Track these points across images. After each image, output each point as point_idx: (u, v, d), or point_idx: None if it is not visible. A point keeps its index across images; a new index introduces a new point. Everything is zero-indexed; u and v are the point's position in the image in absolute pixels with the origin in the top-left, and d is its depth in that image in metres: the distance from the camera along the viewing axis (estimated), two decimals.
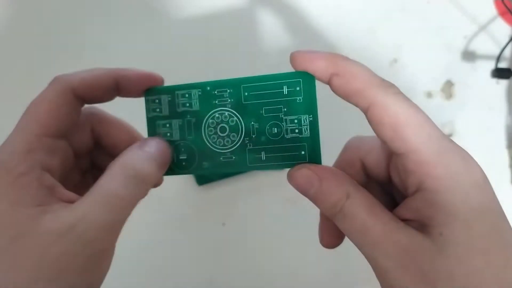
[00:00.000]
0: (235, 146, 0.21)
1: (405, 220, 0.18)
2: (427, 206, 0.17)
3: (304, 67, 0.21)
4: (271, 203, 0.41)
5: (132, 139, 0.25)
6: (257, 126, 0.21)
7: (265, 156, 0.21)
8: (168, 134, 0.23)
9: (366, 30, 0.46)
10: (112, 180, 0.18)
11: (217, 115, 0.22)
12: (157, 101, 0.24)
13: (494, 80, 0.48)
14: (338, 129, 0.34)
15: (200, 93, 0.23)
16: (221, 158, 0.22)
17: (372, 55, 0.46)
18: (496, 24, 0.49)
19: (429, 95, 0.47)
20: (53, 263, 0.17)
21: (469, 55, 0.48)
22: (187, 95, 0.23)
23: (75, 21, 0.42)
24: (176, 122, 0.23)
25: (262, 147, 0.21)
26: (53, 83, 0.22)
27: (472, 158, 0.19)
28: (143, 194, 0.19)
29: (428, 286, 0.17)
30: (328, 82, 0.21)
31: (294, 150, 0.21)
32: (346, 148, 0.23)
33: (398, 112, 0.19)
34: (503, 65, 0.48)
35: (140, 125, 0.25)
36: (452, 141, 0.18)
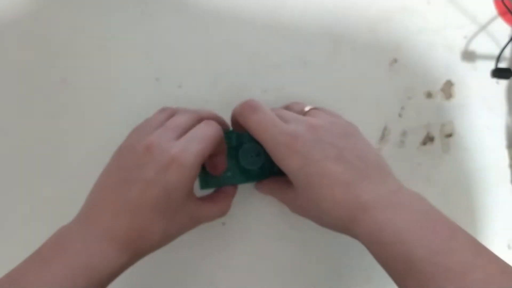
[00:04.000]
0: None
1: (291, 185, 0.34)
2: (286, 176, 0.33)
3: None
4: (271, 203, 0.41)
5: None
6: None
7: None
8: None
9: (366, 30, 0.46)
10: None
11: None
12: None
13: (494, 80, 0.48)
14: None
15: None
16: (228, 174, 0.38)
17: (372, 55, 0.46)
18: (496, 24, 0.49)
19: (429, 95, 0.47)
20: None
21: (469, 55, 0.48)
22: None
23: (75, 21, 0.42)
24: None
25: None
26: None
27: (294, 137, 0.31)
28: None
29: (302, 210, 0.36)
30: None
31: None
32: (233, 111, 0.35)
33: (250, 128, 0.33)
34: (503, 65, 0.48)
35: None
36: (284, 132, 0.31)
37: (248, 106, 0.32)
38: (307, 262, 0.43)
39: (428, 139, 0.46)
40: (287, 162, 0.30)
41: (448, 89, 0.47)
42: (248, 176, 0.38)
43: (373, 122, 0.45)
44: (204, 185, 0.37)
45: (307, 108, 0.37)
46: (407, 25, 0.47)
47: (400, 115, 0.46)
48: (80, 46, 0.42)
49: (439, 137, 0.47)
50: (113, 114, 0.41)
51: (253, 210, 0.42)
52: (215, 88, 0.43)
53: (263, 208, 0.42)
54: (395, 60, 0.46)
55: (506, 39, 0.47)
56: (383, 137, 0.45)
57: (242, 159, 0.37)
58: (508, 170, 0.48)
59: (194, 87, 0.42)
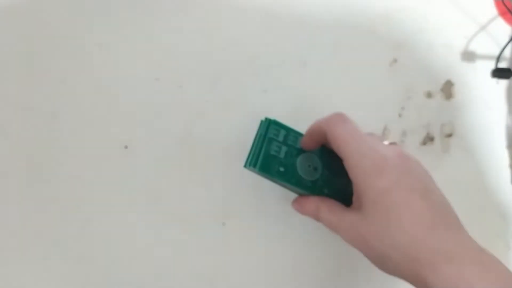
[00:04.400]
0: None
1: (353, 207, 0.32)
2: (357, 193, 0.31)
3: None
4: (271, 203, 0.41)
5: None
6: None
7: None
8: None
9: (366, 30, 0.46)
10: None
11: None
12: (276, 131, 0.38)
13: (494, 80, 0.48)
14: None
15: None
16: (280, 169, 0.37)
17: (372, 55, 0.46)
18: (496, 24, 0.49)
19: (429, 95, 0.47)
20: None
21: (469, 55, 0.48)
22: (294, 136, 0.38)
23: (75, 21, 0.42)
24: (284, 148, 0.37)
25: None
26: None
27: (382, 157, 0.29)
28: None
29: (364, 244, 0.30)
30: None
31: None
32: (318, 121, 0.34)
33: (337, 137, 0.31)
34: (503, 65, 0.48)
35: None
36: (371, 149, 0.30)
37: (339, 116, 0.32)
38: (307, 262, 0.43)
39: (428, 139, 0.46)
40: (371, 180, 0.28)
41: (448, 89, 0.47)
42: (298, 182, 0.36)
43: (373, 122, 0.45)
44: (260, 166, 0.36)
45: (386, 142, 0.37)
46: (407, 25, 0.47)
47: (400, 115, 0.46)
48: (79, 46, 0.41)
49: (439, 137, 0.47)
50: (113, 114, 0.41)
51: (253, 210, 0.42)
52: (215, 88, 0.43)
53: (263, 208, 0.42)
54: (395, 60, 0.46)
55: (506, 39, 0.47)
56: (383, 137, 0.45)
57: (299, 164, 0.36)
58: (508, 170, 0.48)
59: (194, 87, 0.42)
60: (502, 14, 0.49)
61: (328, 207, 0.33)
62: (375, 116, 0.45)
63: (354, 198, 0.32)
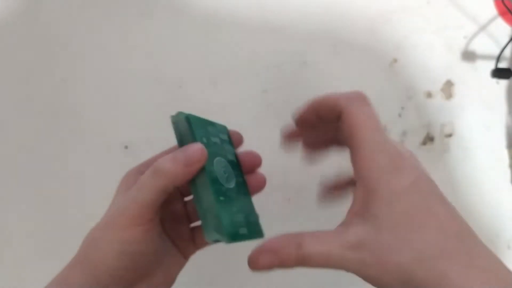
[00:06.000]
0: None
1: (355, 215, 0.23)
2: (365, 193, 0.23)
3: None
4: (271, 203, 0.41)
5: None
6: None
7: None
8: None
9: (366, 30, 0.46)
10: (143, 175, 0.25)
11: None
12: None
13: (494, 80, 0.48)
14: None
15: None
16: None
17: (372, 55, 0.46)
18: (496, 24, 0.49)
19: (429, 95, 0.47)
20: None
21: (469, 55, 0.48)
22: None
23: (75, 21, 0.42)
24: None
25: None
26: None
27: (399, 154, 0.24)
28: (162, 185, 0.24)
29: (376, 265, 0.22)
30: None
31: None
32: (335, 95, 0.27)
33: (355, 119, 0.25)
34: (503, 65, 0.48)
35: None
36: (388, 143, 0.24)
37: (361, 95, 0.26)
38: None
39: (428, 139, 0.46)
40: (388, 178, 0.23)
41: (448, 89, 0.47)
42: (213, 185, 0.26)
43: None
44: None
45: None
46: (407, 25, 0.47)
47: (400, 115, 0.46)
48: (80, 46, 0.41)
49: (439, 137, 0.46)
50: (113, 114, 0.41)
51: None
52: (215, 88, 0.43)
53: (263, 208, 0.42)
54: (395, 60, 0.46)
55: (506, 39, 0.47)
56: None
57: (216, 164, 0.27)
58: (508, 170, 0.48)
59: (194, 87, 0.42)
60: (502, 14, 0.49)
61: (313, 236, 0.24)
62: None
63: (355, 207, 0.24)
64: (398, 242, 0.22)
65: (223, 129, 0.31)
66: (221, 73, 0.43)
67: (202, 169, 0.25)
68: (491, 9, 0.49)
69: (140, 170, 0.29)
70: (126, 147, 0.41)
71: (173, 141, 0.42)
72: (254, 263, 0.24)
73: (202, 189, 0.25)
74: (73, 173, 0.40)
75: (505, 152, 0.48)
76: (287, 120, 0.40)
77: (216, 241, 0.26)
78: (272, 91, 0.43)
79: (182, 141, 0.27)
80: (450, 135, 0.47)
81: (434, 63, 0.47)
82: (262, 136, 0.43)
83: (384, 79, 0.46)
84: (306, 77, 0.44)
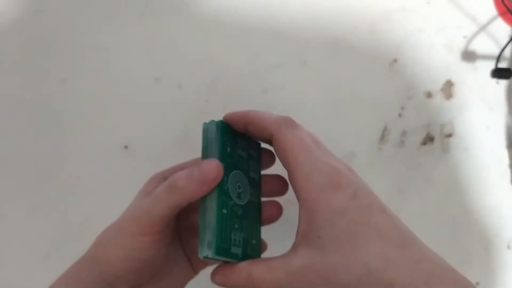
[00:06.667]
0: None
1: (302, 238, 0.24)
2: (307, 214, 0.24)
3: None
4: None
5: None
6: None
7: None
8: None
9: (366, 30, 0.46)
10: (159, 189, 0.25)
11: None
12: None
13: (494, 80, 0.48)
14: None
15: None
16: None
17: (372, 55, 0.46)
18: (496, 24, 0.49)
19: (429, 95, 0.47)
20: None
21: (469, 55, 0.48)
22: None
23: (75, 21, 0.42)
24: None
25: None
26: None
27: (336, 170, 0.24)
28: (175, 200, 0.24)
29: (328, 281, 0.22)
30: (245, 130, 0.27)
31: None
32: (264, 118, 0.27)
33: (286, 142, 0.25)
34: (503, 65, 0.48)
35: None
36: (322, 161, 0.24)
37: (290, 120, 0.26)
38: None
39: (428, 139, 0.46)
40: (327, 197, 0.23)
41: (448, 89, 0.47)
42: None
43: (373, 122, 0.45)
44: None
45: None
46: (407, 25, 0.47)
47: (400, 115, 0.46)
48: (80, 46, 0.42)
49: (439, 137, 0.47)
50: (113, 114, 0.41)
51: None
52: (215, 88, 0.43)
53: None
54: (395, 60, 0.46)
55: (506, 39, 0.47)
56: (383, 137, 0.45)
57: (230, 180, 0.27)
58: (508, 170, 0.48)
59: (194, 87, 0.42)
60: (502, 14, 0.49)
61: (263, 264, 0.25)
62: (375, 116, 0.45)
63: (301, 228, 0.25)
64: (344, 261, 0.22)
65: (255, 145, 0.30)
66: (221, 73, 0.43)
67: None
68: (491, 9, 0.49)
69: (164, 175, 0.30)
70: (126, 147, 0.41)
71: (173, 140, 0.42)
72: (212, 278, 0.26)
73: (210, 199, 0.25)
74: (73, 173, 0.40)
75: (505, 152, 0.48)
76: None
77: (206, 258, 0.24)
78: (272, 91, 0.43)
79: (206, 148, 0.26)
80: (450, 135, 0.47)
81: (434, 63, 0.47)
82: None
83: (384, 79, 0.46)
84: (306, 77, 0.44)
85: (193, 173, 0.24)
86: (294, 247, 0.25)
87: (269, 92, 0.43)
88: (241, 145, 0.28)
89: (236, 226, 0.26)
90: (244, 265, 0.25)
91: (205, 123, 0.27)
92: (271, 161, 0.31)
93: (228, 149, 0.27)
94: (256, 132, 0.27)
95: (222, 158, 0.26)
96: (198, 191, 0.24)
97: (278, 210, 0.31)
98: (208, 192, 0.25)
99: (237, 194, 0.26)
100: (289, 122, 0.26)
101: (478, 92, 0.48)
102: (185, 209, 0.26)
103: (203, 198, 0.25)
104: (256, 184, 0.29)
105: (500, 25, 0.49)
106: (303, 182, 0.24)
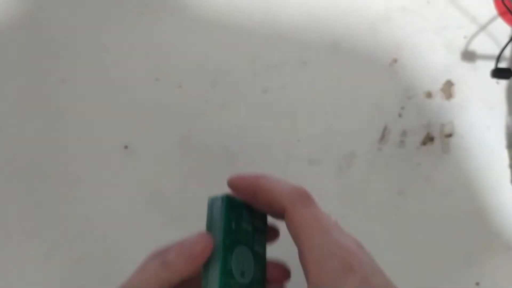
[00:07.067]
0: None
1: None
2: None
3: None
4: None
5: None
6: None
7: None
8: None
9: (366, 30, 0.46)
10: (151, 262, 0.25)
11: None
12: None
13: (494, 80, 0.48)
14: None
15: None
16: None
17: (372, 55, 0.46)
18: (496, 24, 0.49)
19: (429, 95, 0.47)
20: None
21: (469, 55, 0.48)
22: None
23: (75, 22, 0.42)
24: None
25: None
26: None
27: (348, 253, 0.24)
28: (166, 278, 0.24)
29: None
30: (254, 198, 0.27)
31: None
32: (276, 191, 0.26)
33: (301, 221, 0.24)
34: (503, 65, 0.48)
35: None
36: (336, 243, 0.24)
37: (305, 195, 0.26)
38: None
39: (428, 139, 0.46)
40: (341, 282, 0.23)
41: (448, 89, 0.47)
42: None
43: (373, 122, 0.45)
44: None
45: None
46: (407, 25, 0.47)
47: (400, 115, 0.46)
48: (80, 46, 0.42)
49: (439, 137, 0.47)
50: (113, 114, 0.41)
51: None
52: (215, 88, 0.43)
53: None
54: (395, 60, 0.46)
55: (506, 39, 0.47)
56: (383, 137, 0.45)
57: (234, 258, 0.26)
58: (508, 170, 0.48)
59: (194, 87, 0.42)
60: (502, 14, 0.49)
61: None
62: (375, 116, 0.45)
63: None
64: None
65: (262, 216, 0.29)
66: (221, 73, 0.43)
67: (217, 257, 0.24)
68: (491, 9, 0.49)
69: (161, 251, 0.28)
70: (126, 147, 0.41)
71: (173, 140, 0.42)
72: None
73: (212, 279, 0.24)
74: (73, 173, 0.41)
75: (505, 152, 0.48)
76: (287, 120, 0.40)
77: None
78: (272, 91, 0.43)
79: (210, 224, 0.26)
80: (450, 135, 0.47)
81: (434, 63, 0.47)
82: (262, 135, 0.43)
83: (384, 79, 0.46)
84: (306, 77, 0.44)
85: (183, 245, 0.24)
86: None
87: (269, 92, 0.43)
88: (246, 217, 0.27)
89: None
90: None
91: (210, 197, 0.26)
92: (274, 236, 0.31)
93: (233, 224, 0.26)
94: (265, 202, 0.26)
95: (226, 236, 0.25)
96: (187, 269, 0.24)
97: (284, 275, 0.31)
98: (199, 267, 0.24)
99: (241, 272, 0.26)
100: (305, 198, 0.25)
101: (478, 92, 0.48)
102: None
103: (205, 279, 0.24)
104: (261, 258, 0.28)
105: (500, 25, 0.49)
106: (315, 266, 0.24)
